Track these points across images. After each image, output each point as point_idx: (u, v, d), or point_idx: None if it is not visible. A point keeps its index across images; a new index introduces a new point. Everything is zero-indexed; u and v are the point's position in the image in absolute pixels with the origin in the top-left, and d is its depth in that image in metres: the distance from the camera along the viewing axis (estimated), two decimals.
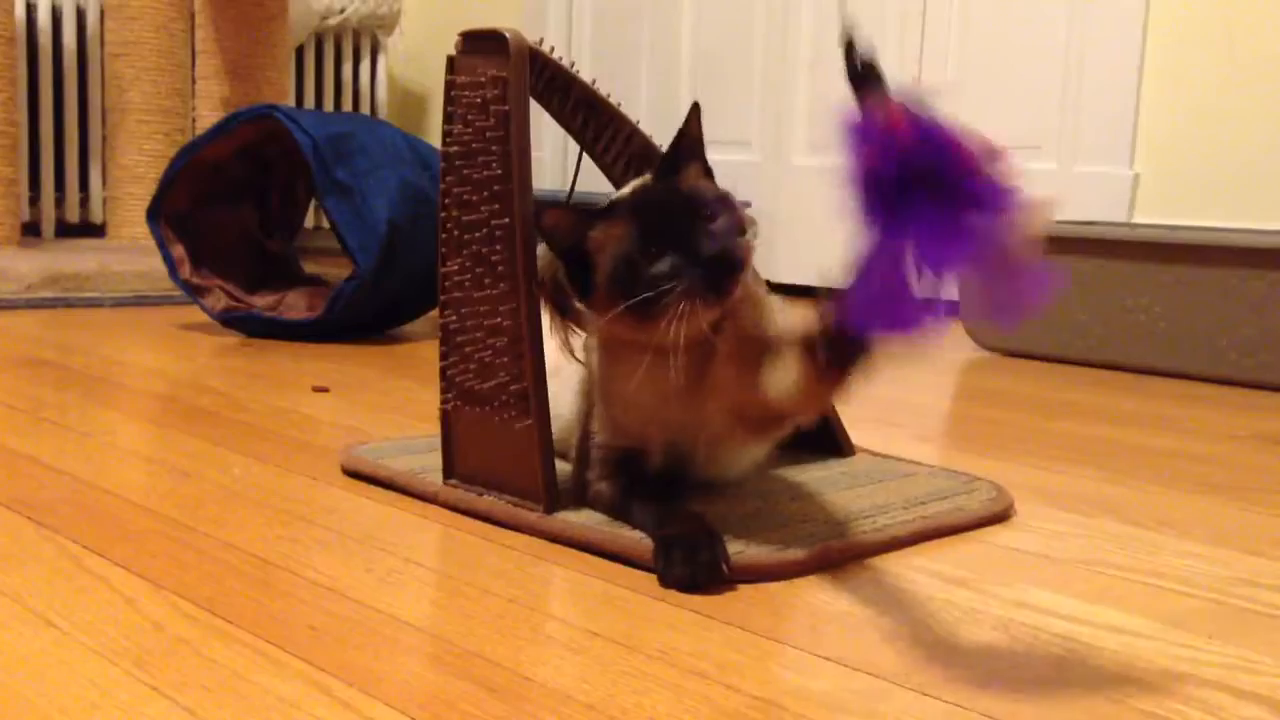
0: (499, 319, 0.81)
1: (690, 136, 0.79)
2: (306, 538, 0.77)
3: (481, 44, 0.81)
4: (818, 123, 2.61)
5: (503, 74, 0.79)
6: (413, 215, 1.68)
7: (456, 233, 0.83)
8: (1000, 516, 0.88)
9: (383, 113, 3.40)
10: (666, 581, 0.69)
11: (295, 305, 1.74)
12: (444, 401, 0.86)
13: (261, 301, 1.74)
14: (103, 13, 2.67)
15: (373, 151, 1.68)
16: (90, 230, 2.85)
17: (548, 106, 0.88)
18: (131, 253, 2.21)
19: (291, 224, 1.89)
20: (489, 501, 0.82)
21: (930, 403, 1.47)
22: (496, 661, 0.58)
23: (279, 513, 0.82)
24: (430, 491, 0.86)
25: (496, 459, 0.83)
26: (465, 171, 0.82)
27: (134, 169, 2.54)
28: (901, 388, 1.53)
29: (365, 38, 3.34)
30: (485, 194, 0.80)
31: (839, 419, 1.02)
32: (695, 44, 2.87)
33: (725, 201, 0.77)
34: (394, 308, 1.75)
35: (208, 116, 2.32)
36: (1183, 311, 1.66)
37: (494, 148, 0.80)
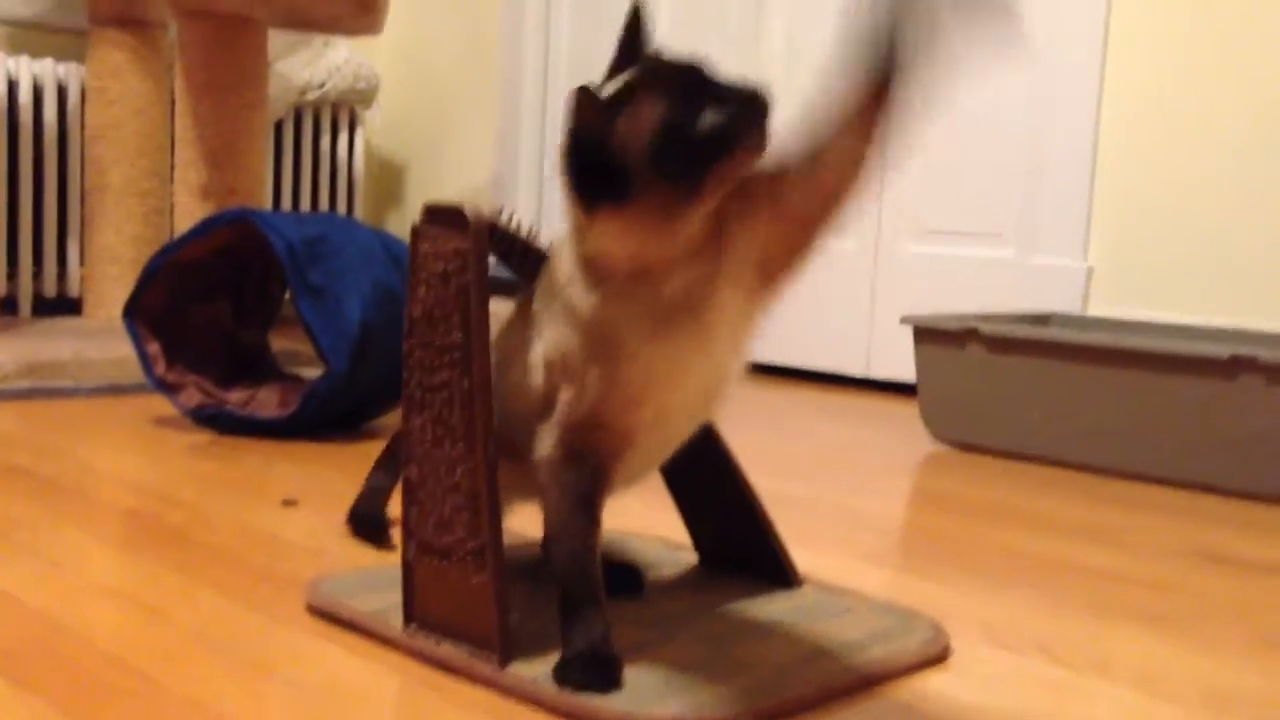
0: (457, 478, 0.85)
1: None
2: (269, 691, 0.81)
3: (443, 217, 0.85)
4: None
5: (464, 246, 0.84)
6: (385, 314, 1.72)
7: (419, 394, 0.87)
8: (937, 658, 0.92)
9: (360, 184, 3.46)
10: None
11: (268, 402, 1.77)
12: (405, 550, 0.90)
13: (234, 397, 1.78)
14: (84, 94, 2.71)
15: (347, 253, 1.73)
16: (67, 304, 2.89)
17: (508, 265, 0.93)
18: (107, 337, 2.24)
19: (266, 317, 1.93)
20: (447, 650, 0.86)
21: (880, 510, 1.51)
22: None
23: (243, 663, 0.86)
24: (391, 637, 0.90)
25: (454, 609, 0.86)
26: (427, 336, 0.86)
27: (112, 249, 2.58)
28: (854, 492, 1.58)
29: (344, 111, 3.40)
30: (446, 359, 0.85)
31: (784, 548, 1.06)
32: None
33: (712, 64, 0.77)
34: (367, 403, 1.79)
35: (185, 202, 2.37)
36: (1130, 415, 1.72)
37: (455, 316, 0.84)
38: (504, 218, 0.90)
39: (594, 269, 0.79)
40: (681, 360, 0.79)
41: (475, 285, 0.84)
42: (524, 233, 0.91)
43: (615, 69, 0.80)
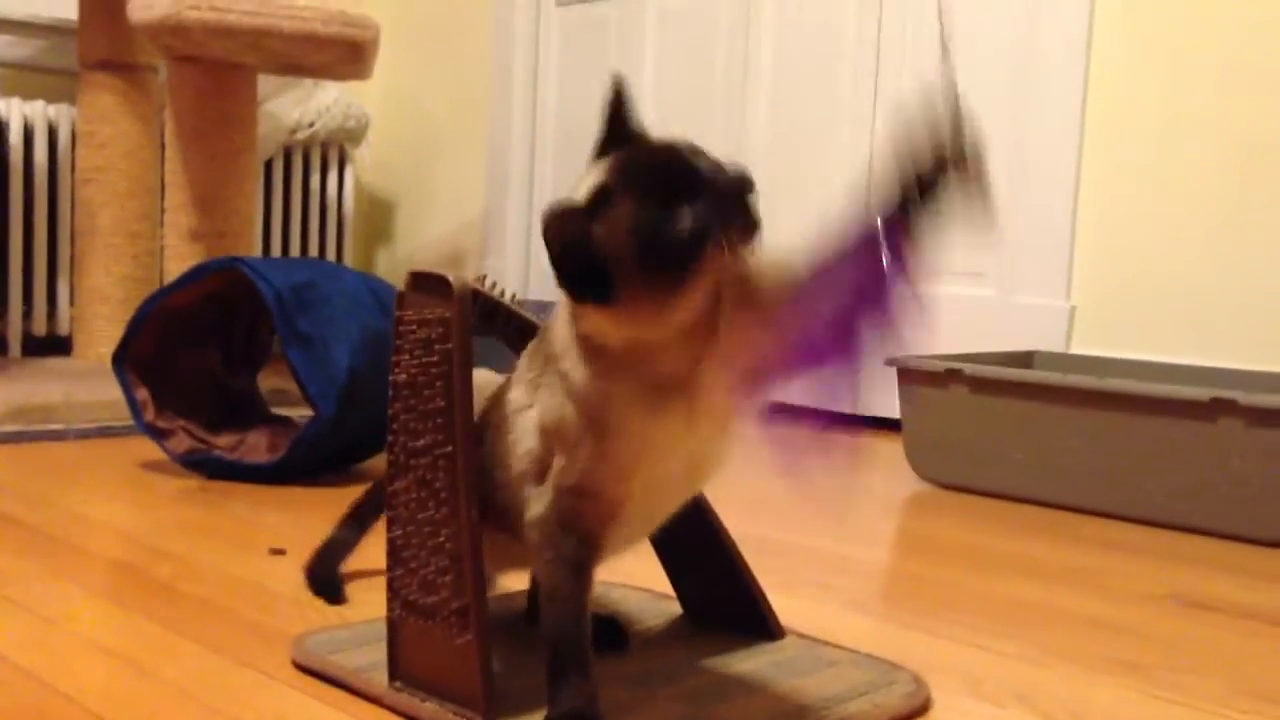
0: (441, 539, 0.86)
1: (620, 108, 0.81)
2: None
3: (427, 284, 0.87)
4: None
5: (447, 314, 0.86)
6: (372, 359, 1.73)
7: (403, 457, 0.88)
8: (917, 712, 0.94)
9: (350, 221, 3.48)
10: None
11: (257, 446, 1.78)
12: (390, 609, 0.91)
13: (223, 442, 1.79)
14: (74, 135, 2.73)
15: (335, 299, 1.74)
16: (57, 343, 2.90)
17: (489, 332, 0.94)
18: (97, 378, 2.25)
19: (255, 363, 1.94)
20: (432, 709, 0.87)
21: (864, 554, 1.53)
22: None
23: None
24: (376, 694, 0.91)
25: (439, 667, 0.88)
26: (411, 401, 0.88)
27: (102, 290, 2.60)
28: (838, 535, 1.59)
29: (333, 149, 3.42)
30: (430, 424, 0.86)
31: (766, 602, 1.07)
32: None
33: (693, 145, 0.75)
34: (355, 447, 1.80)
35: (175, 245, 2.39)
36: (1112, 456, 1.74)
37: (438, 382, 0.86)
38: (487, 284, 0.92)
39: (588, 344, 0.79)
40: (670, 437, 0.80)
41: (458, 352, 0.86)
42: (507, 299, 0.93)
43: (602, 148, 0.80)
